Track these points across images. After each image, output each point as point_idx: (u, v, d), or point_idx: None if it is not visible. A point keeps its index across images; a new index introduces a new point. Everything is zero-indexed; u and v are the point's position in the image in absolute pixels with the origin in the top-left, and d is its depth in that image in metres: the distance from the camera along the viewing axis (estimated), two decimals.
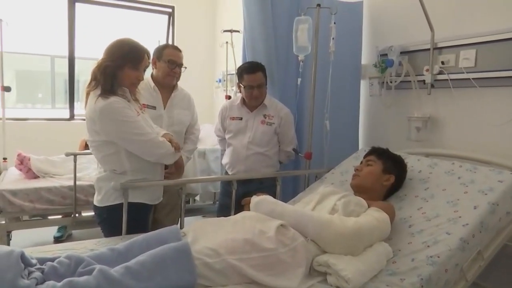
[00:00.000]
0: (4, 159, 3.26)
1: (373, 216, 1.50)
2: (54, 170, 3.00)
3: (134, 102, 1.83)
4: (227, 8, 4.64)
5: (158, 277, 1.15)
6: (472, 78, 2.00)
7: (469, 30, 2.05)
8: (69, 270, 1.20)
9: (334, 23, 2.30)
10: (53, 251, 1.53)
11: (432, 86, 2.23)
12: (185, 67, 2.30)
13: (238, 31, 3.64)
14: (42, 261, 1.26)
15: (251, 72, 2.30)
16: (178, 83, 2.36)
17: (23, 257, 1.16)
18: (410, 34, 2.37)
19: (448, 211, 1.56)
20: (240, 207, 1.77)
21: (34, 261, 1.23)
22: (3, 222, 2.67)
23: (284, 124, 2.41)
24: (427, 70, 2.21)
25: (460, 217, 1.50)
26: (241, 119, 2.42)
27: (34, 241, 3.09)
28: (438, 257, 1.36)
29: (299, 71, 2.43)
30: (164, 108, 2.28)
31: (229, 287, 1.23)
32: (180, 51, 2.29)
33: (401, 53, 2.36)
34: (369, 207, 1.60)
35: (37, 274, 1.16)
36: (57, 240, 3.27)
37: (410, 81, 2.33)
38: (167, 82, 2.28)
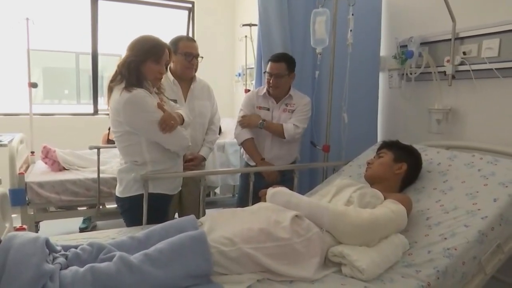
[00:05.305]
0: (32, 152, 3.38)
1: (389, 208, 1.49)
2: (79, 162, 3.12)
3: (157, 96, 1.87)
4: (246, 2, 4.64)
5: (175, 264, 1.18)
6: (495, 69, 1.95)
7: (492, 19, 1.99)
8: (91, 256, 1.26)
9: (352, 14, 2.27)
10: (77, 239, 1.60)
11: (453, 77, 2.18)
12: (202, 57, 2.31)
13: (257, 25, 3.63)
14: (66, 248, 1.32)
15: (273, 60, 2.37)
16: (197, 75, 2.39)
17: (48, 244, 1.22)
18: (431, 24, 2.32)
19: (467, 203, 1.53)
20: (259, 200, 1.78)
21: (59, 248, 1.29)
22: (32, 213, 2.80)
23: (299, 106, 2.43)
24: (448, 61, 2.16)
25: (479, 209, 1.47)
26: (268, 109, 2.48)
27: (61, 232, 3.20)
28: (455, 249, 1.35)
29: (317, 64, 2.42)
30: (185, 101, 2.31)
31: (244, 275, 1.26)
32: (194, 41, 2.31)
33: (421, 44, 2.32)
34: (385, 199, 1.59)
35: (61, 259, 1.21)
36: (83, 230, 3.38)
37: (430, 73, 2.28)
38: (187, 75, 2.30)
